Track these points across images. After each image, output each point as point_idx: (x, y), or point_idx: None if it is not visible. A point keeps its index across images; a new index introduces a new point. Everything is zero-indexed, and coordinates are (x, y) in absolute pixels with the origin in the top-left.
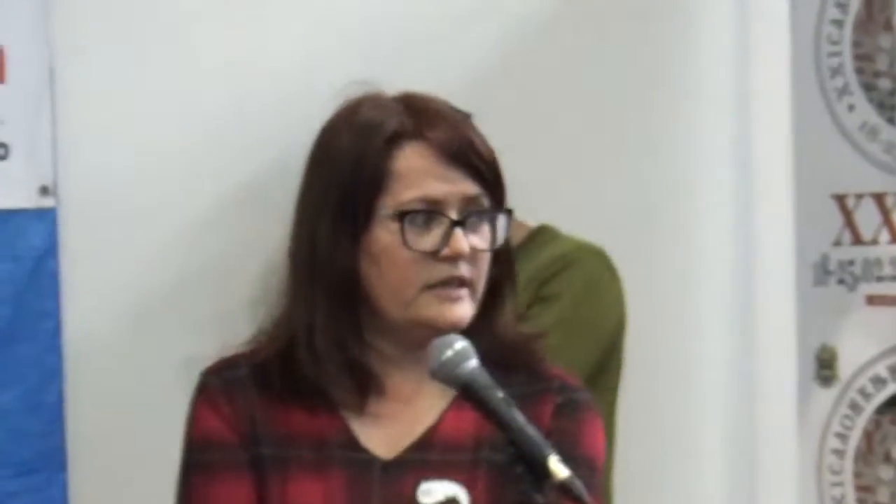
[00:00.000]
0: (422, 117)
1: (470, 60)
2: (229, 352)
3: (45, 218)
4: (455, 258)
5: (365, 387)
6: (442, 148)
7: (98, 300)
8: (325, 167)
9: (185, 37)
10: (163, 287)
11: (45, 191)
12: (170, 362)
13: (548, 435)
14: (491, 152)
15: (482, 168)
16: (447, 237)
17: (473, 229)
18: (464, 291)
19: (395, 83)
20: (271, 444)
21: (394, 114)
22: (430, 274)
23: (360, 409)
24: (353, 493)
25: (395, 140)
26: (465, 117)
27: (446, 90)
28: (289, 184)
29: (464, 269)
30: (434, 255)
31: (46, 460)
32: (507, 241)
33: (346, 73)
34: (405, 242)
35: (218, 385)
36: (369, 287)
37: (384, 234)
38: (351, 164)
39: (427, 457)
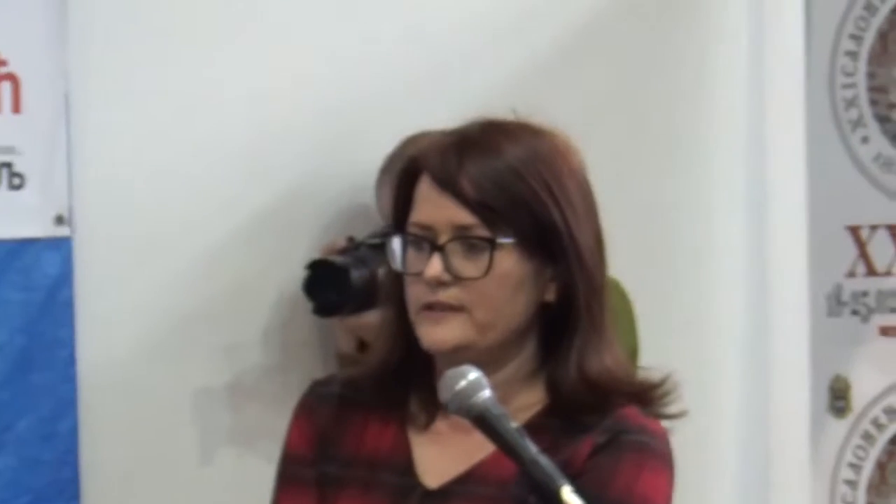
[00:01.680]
0: (437, 147)
1: (479, 96)
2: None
3: (61, 247)
4: (429, 283)
5: (433, 404)
6: (434, 177)
7: (112, 329)
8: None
9: (201, 67)
10: (177, 316)
11: (60, 220)
12: (184, 392)
13: (580, 473)
14: (490, 184)
15: (469, 197)
16: (428, 261)
17: (466, 256)
18: (446, 314)
19: (411, 107)
20: (336, 463)
21: (428, 145)
22: (421, 297)
23: (426, 426)
24: None
25: (415, 168)
26: (502, 149)
27: (457, 118)
28: (303, 212)
29: (443, 295)
30: (421, 278)
31: (60, 490)
32: (572, 283)
33: (364, 101)
34: (394, 263)
35: (309, 400)
36: None
37: None
38: (392, 193)
39: (468, 490)
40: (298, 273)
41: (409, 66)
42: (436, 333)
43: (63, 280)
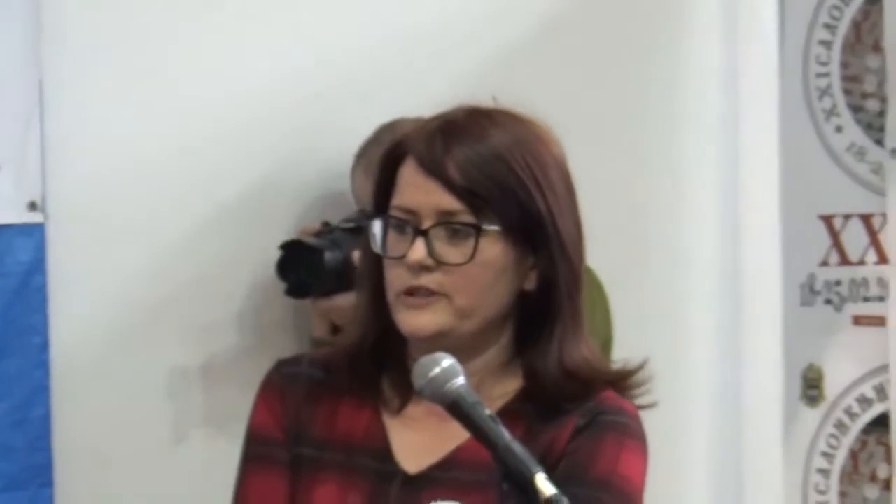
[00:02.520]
0: (422, 131)
1: (454, 85)
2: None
3: (33, 233)
4: (411, 267)
5: (407, 388)
6: (421, 162)
7: (85, 315)
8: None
9: (174, 54)
10: (150, 302)
11: (33, 206)
12: (157, 378)
13: (562, 457)
14: (476, 171)
15: (457, 184)
16: (410, 246)
17: (450, 242)
18: (427, 300)
19: (386, 94)
20: (311, 445)
21: (414, 128)
22: (401, 281)
23: (400, 411)
24: None
25: (399, 152)
26: (487, 136)
27: (431, 105)
28: (278, 198)
29: (426, 279)
30: (403, 262)
31: (33, 475)
32: (553, 271)
33: (339, 88)
34: (375, 246)
35: (276, 380)
36: None
37: None
38: (376, 174)
39: (448, 475)
40: (273, 258)
41: (383, 53)
42: (416, 320)
43: (36, 266)
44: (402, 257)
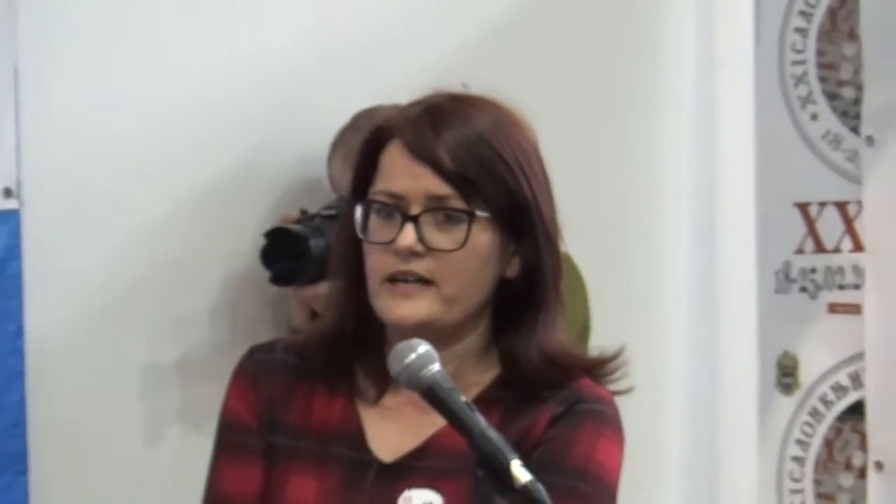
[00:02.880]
0: (409, 115)
1: (429, 70)
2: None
3: (8, 220)
4: (400, 253)
5: (383, 377)
6: (409, 146)
7: (61, 302)
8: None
9: (150, 39)
10: (125, 289)
11: (8, 193)
12: (132, 363)
13: (538, 444)
14: (466, 155)
15: (447, 168)
16: (399, 231)
17: (439, 228)
18: (413, 288)
19: (363, 81)
20: (285, 433)
21: (399, 112)
22: (386, 267)
23: (376, 400)
24: (346, 495)
25: (384, 135)
26: (473, 121)
27: (408, 91)
28: (253, 185)
29: (416, 265)
30: (390, 248)
31: (9, 462)
32: (538, 258)
33: (312, 83)
34: (358, 231)
35: (251, 367)
36: None
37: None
38: (356, 159)
39: (423, 463)
40: (249, 246)
41: (360, 38)
42: (403, 308)
43: (11, 253)
44: (389, 243)
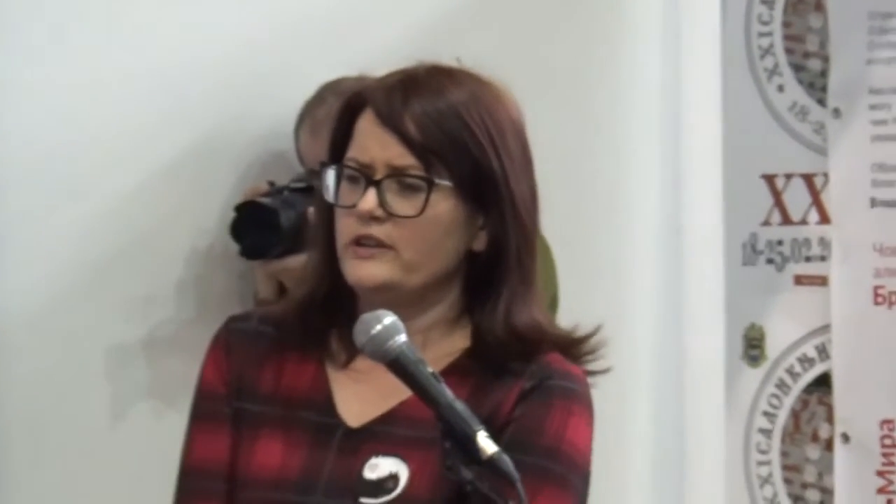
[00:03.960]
0: (382, 85)
1: (395, 46)
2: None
3: None
4: (360, 216)
5: (353, 343)
6: (378, 113)
7: (25, 277)
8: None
9: (116, 10)
10: (90, 264)
11: None
12: (98, 339)
13: (509, 420)
14: (432, 125)
15: (411, 137)
16: (362, 196)
17: (402, 195)
18: (374, 251)
19: (328, 54)
20: (253, 400)
21: (373, 81)
22: (350, 231)
23: (346, 365)
24: (311, 458)
25: (359, 103)
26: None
27: (374, 63)
28: (219, 158)
29: (375, 230)
30: (353, 211)
31: None
32: (504, 232)
33: (276, 55)
34: (329, 195)
35: (223, 336)
36: None
37: None
38: (331, 127)
39: (389, 430)
40: (215, 220)
41: (325, 12)
42: (362, 269)
43: None
44: (352, 206)
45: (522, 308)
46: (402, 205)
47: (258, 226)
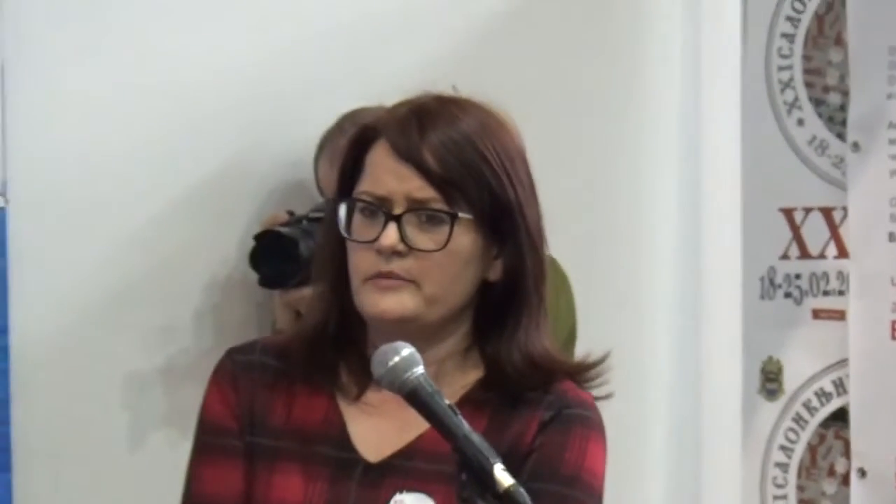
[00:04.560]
0: (395, 116)
1: (414, 75)
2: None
3: None
4: (383, 252)
5: (366, 376)
6: (395, 147)
7: (46, 301)
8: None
9: (139, 34)
10: (111, 288)
11: None
12: (118, 364)
13: (531, 451)
14: (451, 158)
15: (432, 171)
16: (382, 230)
17: (422, 228)
18: (393, 283)
19: (348, 83)
20: (266, 434)
21: (385, 113)
22: (369, 266)
23: (358, 398)
24: (333, 493)
25: (370, 136)
26: (459, 123)
27: (392, 94)
28: (238, 188)
29: (396, 265)
30: (373, 247)
31: None
32: (521, 262)
33: (295, 85)
34: (341, 229)
35: (228, 368)
36: None
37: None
38: (341, 159)
39: (410, 465)
40: (234, 250)
41: (345, 41)
42: (384, 302)
43: None
44: (372, 241)
45: (537, 336)
46: (424, 239)
47: (277, 255)
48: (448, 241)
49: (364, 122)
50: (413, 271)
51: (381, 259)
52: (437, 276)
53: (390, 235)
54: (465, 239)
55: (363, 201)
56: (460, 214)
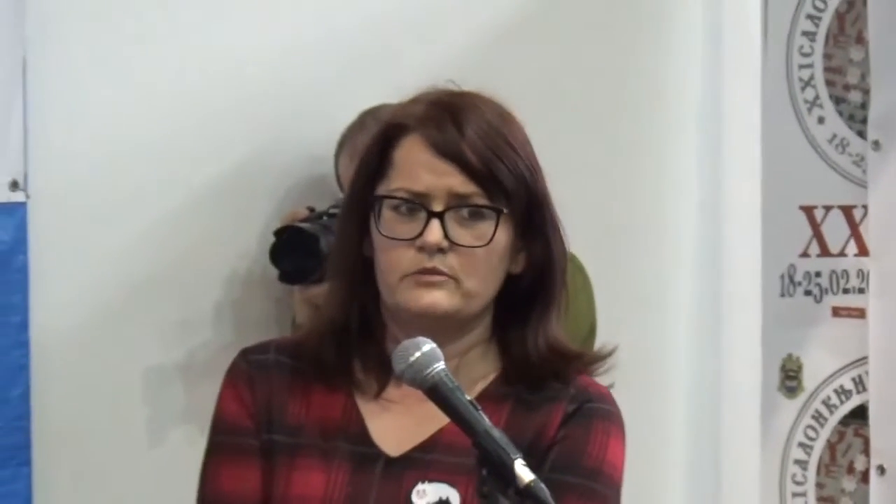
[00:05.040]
0: (427, 111)
1: (436, 69)
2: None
3: (15, 212)
4: (428, 249)
5: (384, 372)
6: (432, 142)
7: (66, 295)
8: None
9: (160, 33)
10: (131, 283)
11: (15, 185)
12: (137, 359)
13: (553, 444)
14: (490, 153)
15: (473, 166)
16: (424, 227)
17: (463, 224)
18: (437, 279)
19: (370, 79)
20: (284, 431)
21: (411, 108)
22: (409, 263)
23: (377, 394)
24: (354, 488)
25: (397, 132)
26: (487, 116)
27: (418, 86)
28: (258, 184)
29: (439, 261)
30: (413, 244)
31: (11, 455)
32: (549, 254)
33: (316, 81)
34: (379, 228)
35: (243, 368)
36: (377, 274)
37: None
38: (363, 155)
39: (431, 457)
40: (254, 245)
41: (364, 37)
42: (428, 297)
43: (17, 246)
44: (413, 238)
45: (556, 325)
46: (466, 235)
47: (297, 250)
48: (493, 236)
49: (387, 119)
50: (455, 267)
51: (424, 256)
52: (476, 272)
53: (435, 232)
54: (503, 234)
55: (400, 198)
56: (505, 210)
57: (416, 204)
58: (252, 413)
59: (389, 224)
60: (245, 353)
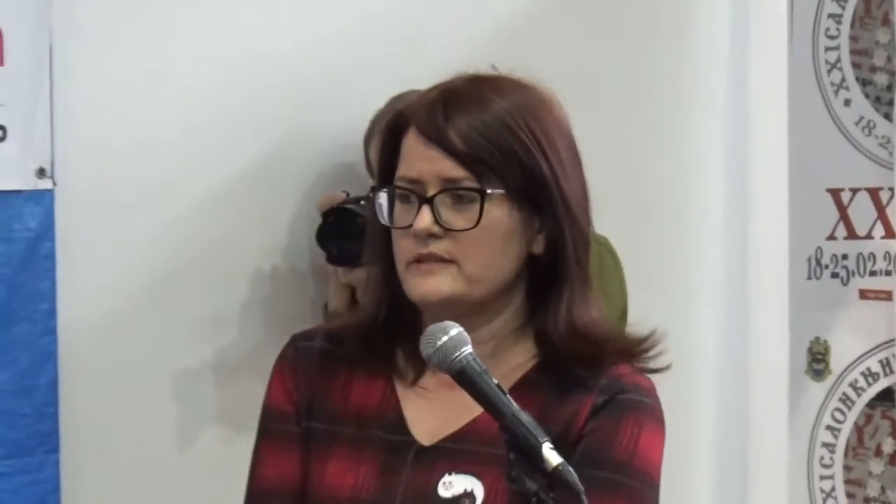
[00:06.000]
0: (422, 100)
1: (462, 56)
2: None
3: (42, 200)
4: (418, 235)
5: (421, 359)
6: (422, 130)
7: (93, 282)
8: None
9: (186, 21)
10: (159, 272)
11: (42, 173)
12: (164, 348)
13: (581, 436)
14: (477, 136)
15: (458, 150)
16: (416, 215)
17: (453, 208)
18: (436, 265)
19: (399, 65)
20: (324, 419)
21: (415, 97)
22: (409, 251)
23: (413, 382)
24: (384, 477)
25: (402, 121)
26: (489, 102)
27: (440, 76)
28: (288, 171)
29: (434, 247)
30: (410, 231)
31: (39, 442)
32: (561, 234)
33: (346, 68)
34: (383, 217)
35: (290, 355)
36: None
37: None
38: (379, 146)
39: (462, 447)
40: (284, 235)
41: (392, 24)
42: (427, 285)
43: (44, 233)
44: (409, 226)
45: (582, 307)
46: (457, 218)
47: (343, 233)
48: (480, 217)
49: (396, 110)
50: (451, 251)
51: (419, 243)
52: (475, 254)
53: (424, 218)
54: (498, 213)
55: (399, 187)
56: (489, 190)
57: (411, 192)
58: (293, 400)
59: (395, 213)
60: (294, 340)
